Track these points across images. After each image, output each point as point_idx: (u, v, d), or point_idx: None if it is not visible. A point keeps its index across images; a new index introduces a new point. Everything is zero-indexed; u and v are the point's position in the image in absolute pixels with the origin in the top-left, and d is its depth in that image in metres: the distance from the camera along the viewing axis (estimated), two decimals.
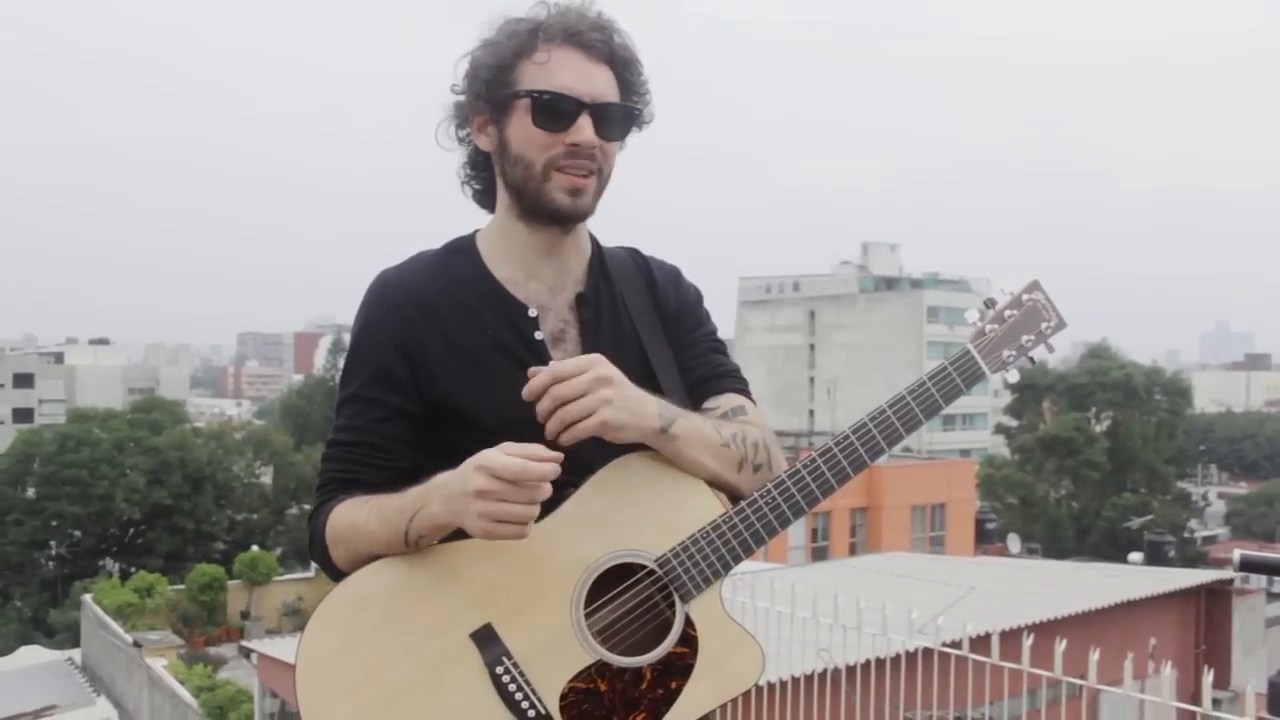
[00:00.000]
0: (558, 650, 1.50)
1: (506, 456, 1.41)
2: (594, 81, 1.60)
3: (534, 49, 1.59)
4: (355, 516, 1.55)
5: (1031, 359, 1.67)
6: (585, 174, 1.61)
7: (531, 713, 1.47)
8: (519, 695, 1.48)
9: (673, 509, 1.55)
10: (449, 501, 1.45)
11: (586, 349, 1.64)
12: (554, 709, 1.48)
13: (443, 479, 1.48)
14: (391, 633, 1.49)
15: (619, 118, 1.63)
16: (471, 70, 1.64)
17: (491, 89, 1.61)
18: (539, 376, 1.47)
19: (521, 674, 1.48)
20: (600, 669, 1.50)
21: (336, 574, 1.58)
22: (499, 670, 1.48)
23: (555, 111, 1.58)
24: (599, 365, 1.49)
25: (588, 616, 1.51)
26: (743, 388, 1.74)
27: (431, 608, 1.50)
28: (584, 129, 1.59)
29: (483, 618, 1.49)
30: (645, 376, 1.64)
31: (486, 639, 1.49)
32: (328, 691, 1.48)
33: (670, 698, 1.52)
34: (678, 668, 1.52)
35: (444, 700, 1.48)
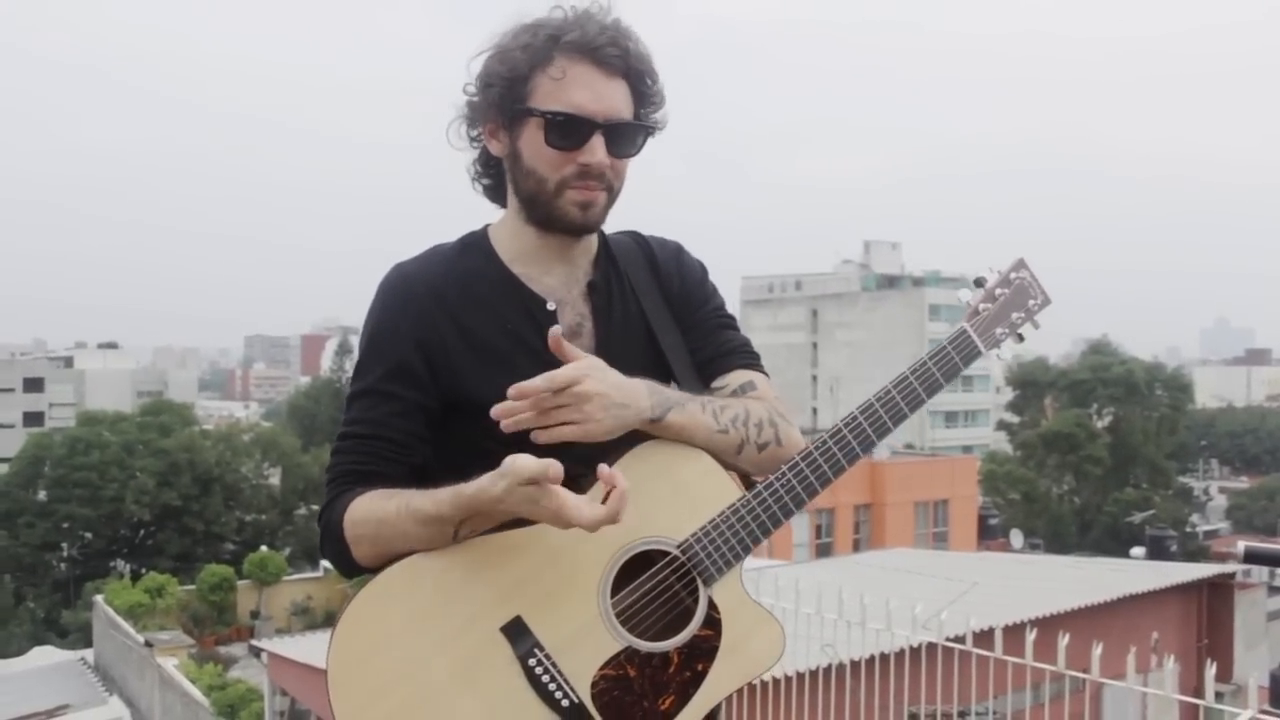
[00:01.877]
0: (587, 639, 1.51)
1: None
2: (608, 99, 1.59)
3: (549, 62, 1.57)
4: (382, 511, 1.52)
5: (1021, 335, 1.71)
6: (596, 190, 1.61)
7: (565, 702, 1.49)
8: (552, 686, 1.49)
9: (691, 494, 1.57)
10: (494, 485, 1.43)
11: (601, 338, 1.67)
12: (586, 697, 1.50)
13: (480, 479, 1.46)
14: (423, 630, 1.49)
15: (632, 135, 1.63)
16: (485, 77, 1.61)
17: (505, 100, 1.60)
18: (522, 387, 1.46)
19: (553, 664, 1.49)
20: (629, 655, 1.52)
21: (351, 568, 1.56)
22: (531, 662, 1.49)
23: (568, 132, 1.57)
24: (577, 381, 1.47)
25: (614, 604, 1.53)
26: (752, 362, 1.73)
27: (461, 603, 1.50)
28: (596, 150, 1.58)
29: (512, 610, 1.50)
30: (656, 361, 1.66)
31: (517, 631, 1.50)
32: (361, 692, 1.47)
33: (697, 679, 1.54)
34: (703, 650, 1.55)
35: (479, 695, 1.48)
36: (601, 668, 1.52)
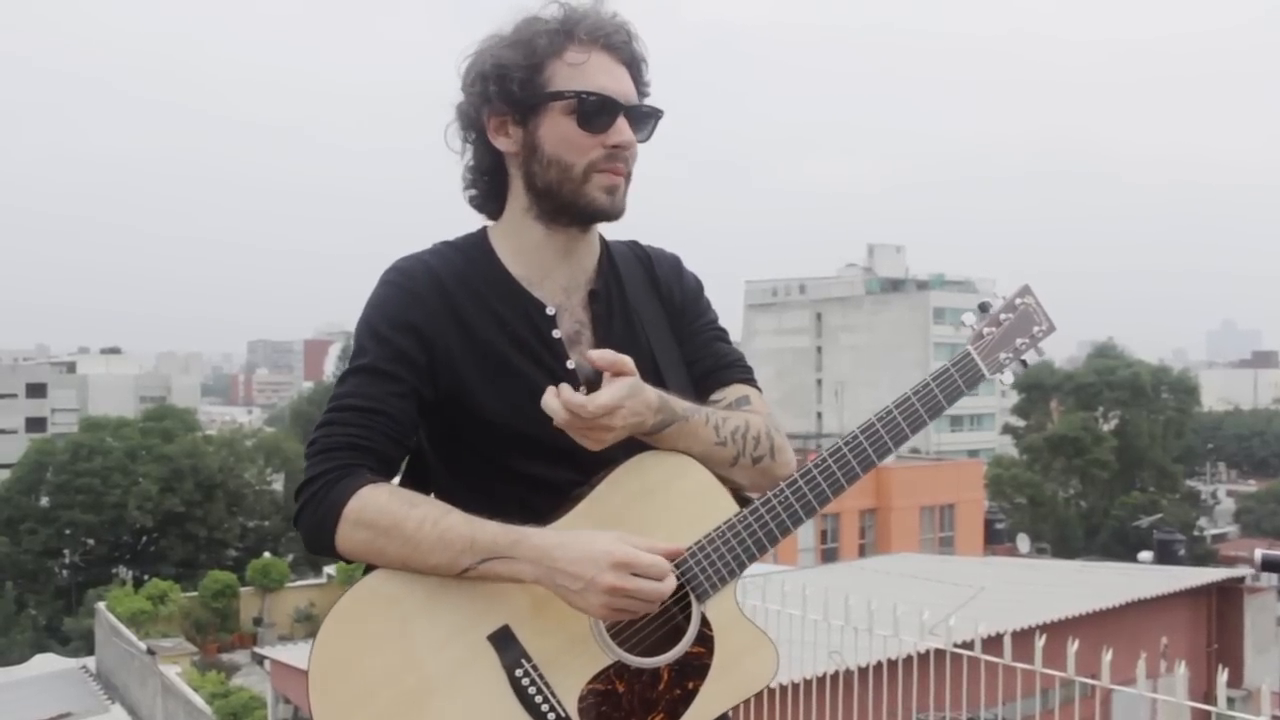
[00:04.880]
0: (576, 652, 1.49)
1: (648, 554, 1.44)
2: (625, 83, 1.61)
3: (566, 49, 1.58)
4: (401, 515, 1.47)
5: (1024, 361, 1.71)
6: (621, 173, 1.61)
7: (551, 715, 1.46)
8: (538, 698, 1.47)
9: (687, 509, 1.54)
10: (556, 576, 1.44)
11: (599, 346, 1.63)
12: (573, 711, 1.47)
13: (546, 549, 1.45)
14: (408, 636, 1.46)
15: (646, 118, 1.64)
16: (497, 68, 1.59)
17: (524, 88, 1.58)
18: (563, 402, 1.46)
19: (540, 676, 1.47)
20: (618, 670, 1.50)
21: (324, 549, 1.51)
22: (518, 673, 1.47)
23: (598, 113, 1.57)
24: (611, 417, 1.47)
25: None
26: (747, 377, 1.74)
27: (448, 610, 1.48)
28: (624, 130, 1.59)
29: (500, 619, 1.48)
30: (653, 375, 1.64)
31: (504, 641, 1.48)
32: (343, 697, 1.45)
33: (688, 698, 1.52)
34: (694, 668, 1.52)
35: (463, 704, 1.46)
36: (590, 682, 1.49)
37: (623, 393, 1.47)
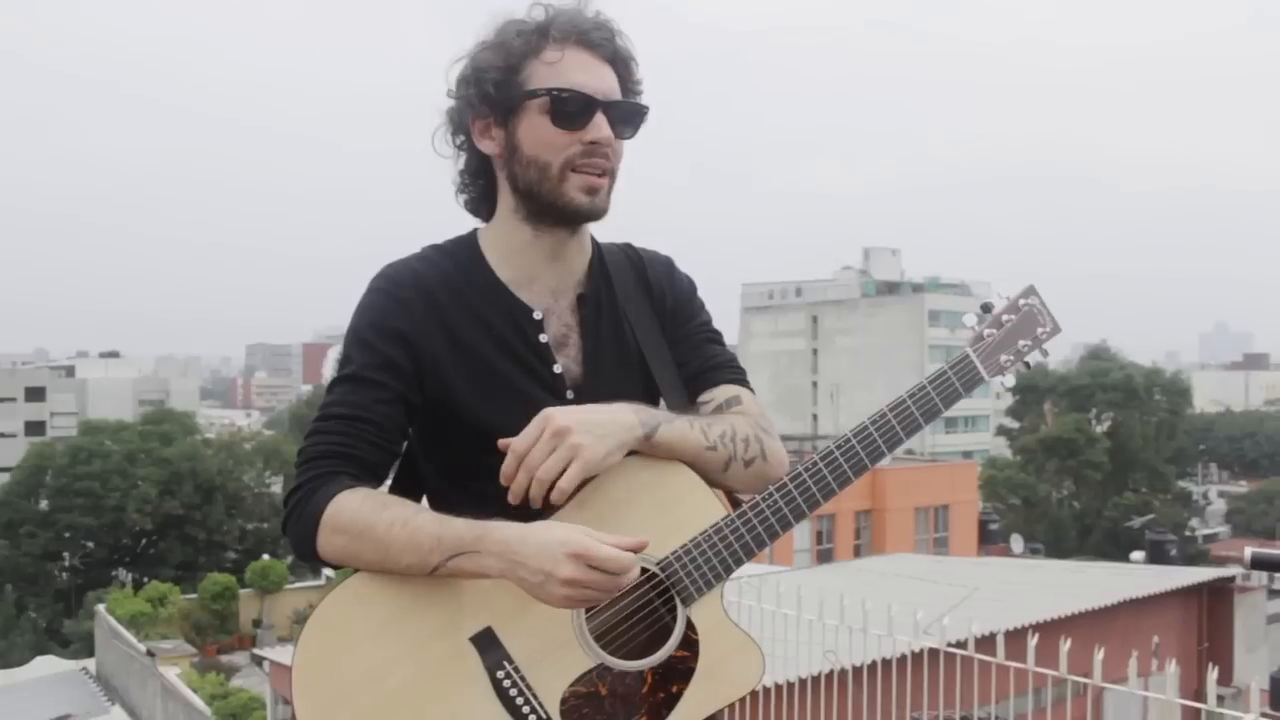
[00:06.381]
0: (558, 654, 1.48)
1: (606, 547, 1.41)
2: (604, 79, 1.60)
3: (543, 48, 1.58)
4: (373, 518, 1.47)
5: (1027, 364, 1.66)
6: (601, 173, 1.60)
7: (532, 717, 1.46)
8: (520, 700, 1.46)
9: (674, 511, 1.53)
10: (518, 569, 1.42)
11: (587, 350, 1.65)
12: (555, 713, 1.47)
13: (508, 541, 1.43)
14: (390, 636, 1.46)
15: (628, 115, 1.63)
16: (476, 72, 1.60)
17: (501, 89, 1.58)
18: (507, 464, 1.47)
19: (522, 678, 1.47)
20: (601, 672, 1.49)
21: (309, 556, 1.51)
22: (500, 674, 1.46)
23: (573, 110, 1.56)
24: (549, 421, 1.46)
25: (588, 619, 1.50)
26: (738, 377, 1.71)
27: (431, 611, 1.47)
28: (601, 126, 1.57)
29: (483, 621, 1.48)
30: (642, 376, 1.65)
31: (487, 642, 1.47)
32: (325, 697, 1.45)
33: (671, 701, 1.51)
34: (679, 671, 1.51)
35: (444, 705, 1.46)
36: (572, 684, 1.49)
37: (536, 424, 1.48)
